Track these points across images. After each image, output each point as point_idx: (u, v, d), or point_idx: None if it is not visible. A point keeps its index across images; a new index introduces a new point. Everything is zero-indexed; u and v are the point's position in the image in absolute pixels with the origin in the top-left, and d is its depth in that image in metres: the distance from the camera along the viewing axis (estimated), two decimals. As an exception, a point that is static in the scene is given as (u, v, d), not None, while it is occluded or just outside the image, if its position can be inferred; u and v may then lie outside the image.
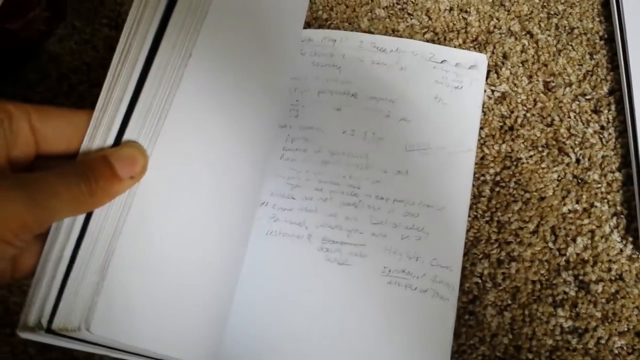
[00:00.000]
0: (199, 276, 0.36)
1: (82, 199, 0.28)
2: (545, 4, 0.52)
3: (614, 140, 0.47)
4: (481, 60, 0.49)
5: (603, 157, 0.46)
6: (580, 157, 0.47)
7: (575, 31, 0.51)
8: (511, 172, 0.46)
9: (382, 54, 0.50)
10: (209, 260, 0.37)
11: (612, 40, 0.50)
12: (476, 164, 0.47)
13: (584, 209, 0.45)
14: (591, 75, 0.49)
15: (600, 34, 0.51)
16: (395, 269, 0.43)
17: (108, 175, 0.28)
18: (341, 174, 0.46)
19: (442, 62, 0.49)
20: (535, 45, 0.50)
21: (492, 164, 0.47)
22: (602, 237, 0.44)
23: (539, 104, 0.48)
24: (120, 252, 0.28)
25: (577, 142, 0.47)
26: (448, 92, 0.48)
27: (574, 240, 0.44)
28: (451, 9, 0.52)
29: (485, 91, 0.49)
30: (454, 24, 0.52)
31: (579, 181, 0.46)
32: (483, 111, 0.48)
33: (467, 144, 0.47)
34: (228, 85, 0.35)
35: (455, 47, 0.51)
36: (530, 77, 0.49)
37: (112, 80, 0.30)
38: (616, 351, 0.41)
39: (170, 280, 0.32)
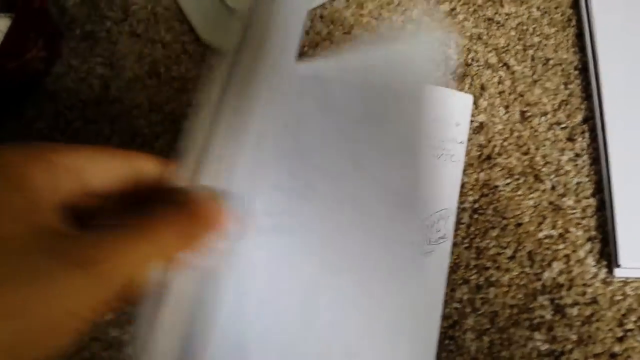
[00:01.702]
0: None
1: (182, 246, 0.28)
2: (521, 36, 0.54)
3: (587, 167, 0.49)
4: (467, 100, 0.51)
5: (577, 183, 0.48)
6: (556, 184, 0.48)
7: (551, 62, 0.53)
8: (489, 200, 0.48)
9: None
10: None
11: (585, 70, 0.52)
12: (456, 192, 0.48)
13: (560, 234, 0.47)
14: (566, 105, 0.51)
15: (575, 64, 0.53)
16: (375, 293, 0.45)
17: (209, 225, 0.29)
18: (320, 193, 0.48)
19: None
20: (511, 76, 0.53)
21: (470, 192, 0.48)
22: (577, 262, 0.46)
23: (516, 133, 0.50)
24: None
25: (552, 170, 0.49)
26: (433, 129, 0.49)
27: (550, 265, 0.46)
28: (430, 42, 0.55)
29: (463, 122, 0.51)
30: (434, 58, 0.54)
31: (555, 207, 0.48)
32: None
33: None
34: None
35: (435, 79, 0.53)
36: (507, 107, 0.51)
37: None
38: (592, 373, 0.43)
39: None
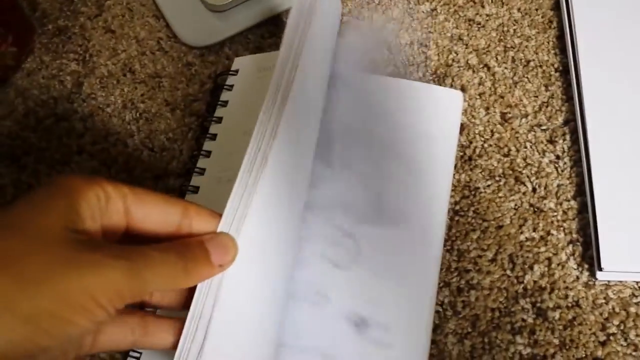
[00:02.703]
0: None
1: (176, 277, 0.30)
2: (502, 37, 0.54)
3: (569, 169, 0.48)
4: (458, 96, 0.50)
5: (558, 185, 0.48)
6: (537, 186, 0.48)
7: (531, 64, 0.53)
8: (470, 202, 0.47)
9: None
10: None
11: (566, 72, 0.52)
12: (436, 193, 0.47)
13: (541, 237, 0.46)
14: (546, 107, 0.51)
15: (555, 66, 0.53)
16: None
17: (202, 260, 0.31)
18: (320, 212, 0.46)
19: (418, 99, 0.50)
20: (492, 77, 0.52)
21: (452, 193, 0.48)
22: (558, 265, 0.45)
23: (496, 135, 0.50)
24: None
25: (533, 172, 0.48)
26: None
27: (531, 267, 0.45)
28: (411, 43, 0.54)
29: (444, 122, 0.50)
30: (414, 58, 0.53)
31: (536, 210, 0.47)
32: (442, 142, 0.49)
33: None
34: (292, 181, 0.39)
35: (416, 79, 0.52)
36: (487, 108, 0.51)
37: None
38: (574, 377, 0.42)
39: None
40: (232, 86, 0.51)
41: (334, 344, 0.42)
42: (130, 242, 0.31)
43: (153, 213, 0.32)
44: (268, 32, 0.56)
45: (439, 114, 0.49)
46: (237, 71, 0.52)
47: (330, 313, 0.43)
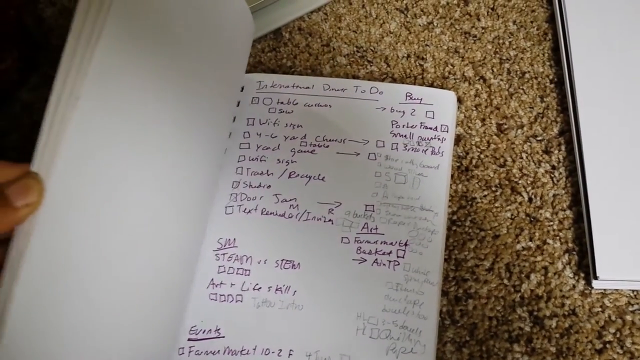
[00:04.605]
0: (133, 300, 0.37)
1: None
2: (497, 50, 0.55)
3: (564, 179, 0.49)
4: (450, 97, 0.51)
5: (554, 195, 0.48)
6: (533, 196, 0.48)
7: (527, 75, 0.53)
8: (467, 212, 0.48)
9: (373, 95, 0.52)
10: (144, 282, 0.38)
11: (561, 84, 0.53)
12: (434, 204, 0.48)
13: (537, 246, 0.47)
14: (542, 118, 0.51)
15: (551, 77, 0.53)
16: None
17: (2, 205, 0.31)
18: (302, 217, 0.48)
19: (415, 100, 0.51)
20: (488, 89, 0.53)
21: (449, 204, 0.48)
22: (555, 274, 0.46)
23: (492, 146, 0.50)
24: (26, 279, 0.30)
25: (529, 182, 0.49)
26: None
27: (527, 276, 0.46)
28: (408, 56, 0.55)
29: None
30: (411, 70, 0.54)
31: (532, 219, 0.48)
32: (439, 153, 0.50)
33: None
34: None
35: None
36: (483, 120, 0.51)
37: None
38: (571, 385, 0.42)
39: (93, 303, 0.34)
40: (238, 102, 0.52)
41: None
42: None
43: None
44: (268, 46, 0.57)
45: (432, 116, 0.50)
46: (242, 88, 0.53)
47: None
